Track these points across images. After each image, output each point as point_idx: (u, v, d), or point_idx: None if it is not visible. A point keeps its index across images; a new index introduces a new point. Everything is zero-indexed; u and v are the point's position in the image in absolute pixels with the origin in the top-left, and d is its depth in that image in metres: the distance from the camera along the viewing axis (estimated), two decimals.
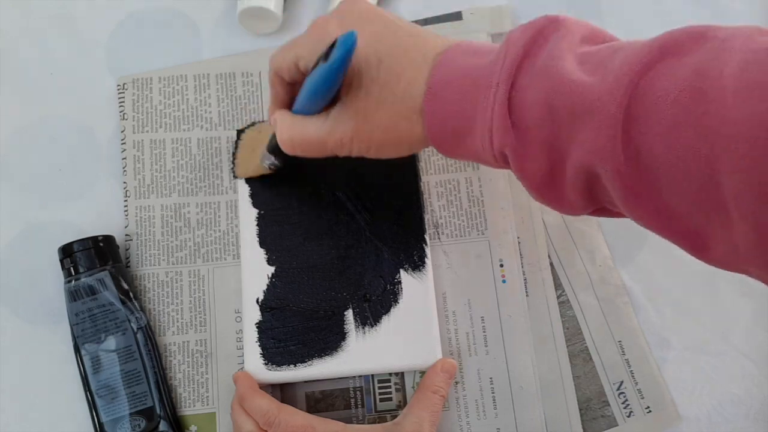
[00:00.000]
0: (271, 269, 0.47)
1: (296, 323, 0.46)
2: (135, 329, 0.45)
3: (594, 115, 0.30)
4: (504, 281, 0.48)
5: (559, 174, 0.33)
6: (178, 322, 0.47)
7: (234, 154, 0.50)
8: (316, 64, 0.36)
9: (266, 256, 0.47)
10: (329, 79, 0.35)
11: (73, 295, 0.45)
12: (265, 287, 0.47)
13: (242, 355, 0.46)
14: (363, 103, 0.36)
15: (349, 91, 0.37)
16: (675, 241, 0.31)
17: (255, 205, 0.48)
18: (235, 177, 0.49)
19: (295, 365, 0.45)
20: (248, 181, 0.49)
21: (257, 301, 0.46)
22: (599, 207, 0.34)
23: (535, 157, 0.33)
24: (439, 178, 0.50)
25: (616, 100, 0.29)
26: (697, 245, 0.30)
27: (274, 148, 0.43)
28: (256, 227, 0.48)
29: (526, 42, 0.33)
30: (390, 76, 0.36)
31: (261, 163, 0.46)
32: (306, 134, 0.39)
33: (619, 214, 0.34)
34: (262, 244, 0.48)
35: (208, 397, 0.46)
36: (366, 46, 0.36)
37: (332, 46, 0.34)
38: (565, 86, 0.31)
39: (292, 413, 0.42)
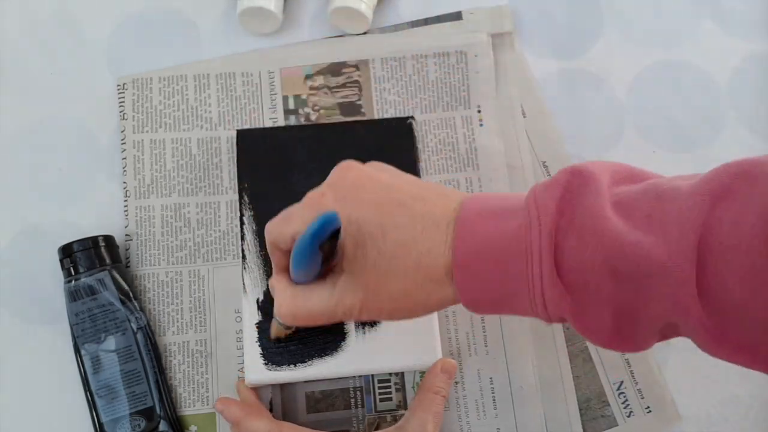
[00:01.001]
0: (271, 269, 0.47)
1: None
2: (135, 329, 0.45)
3: (668, 275, 0.29)
4: None
5: (628, 327, 0.32)
6: (178, 322, 0.47)
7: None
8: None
9: (266, 258, 0.47)
10: (303, 253, 0.34)
11: (73, 295, 0.45)
12: (265, 287, 0.47)
13: (242, 355, 0.46)
14: (371, 276, 0.35)
15: (355, 263, 0.35)
16: (761, 370, 0.31)
17: (253, 205, 0.48)
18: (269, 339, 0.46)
19: (295, 365, 0.45)
20: (246, 181, 0.49)
21: (257, 302, 0.46)
22: (670, 338, 0.34)
23: (600, 317, 0.32)
24: (439, 178, 0.50)
25: (688, 257, 0.28)
26: None
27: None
28: (256, 227, 0.48)
29: (557, 201, 0.32)
30: (398, 248, 0.34)
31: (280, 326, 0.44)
32: (310, 307, 0.37)
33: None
34: (261, 244, 0.48)
35: (208, 397, 0.46)
36: (368, 217, 0.34)
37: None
38: (625, 249, 0.30)
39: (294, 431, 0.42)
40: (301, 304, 0.37)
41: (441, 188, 0.37)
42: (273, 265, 0.40)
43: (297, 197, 0.48)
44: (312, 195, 0.37)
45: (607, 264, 0.30)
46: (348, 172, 0.37)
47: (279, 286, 0.38)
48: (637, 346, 0.33)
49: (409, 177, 0.38)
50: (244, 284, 0.47)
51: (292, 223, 0.37)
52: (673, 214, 0.29)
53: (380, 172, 0.37)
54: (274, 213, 0.48)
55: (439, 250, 0.34)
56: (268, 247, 0.39)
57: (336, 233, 0.33)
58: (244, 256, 0.48)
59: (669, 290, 0.29)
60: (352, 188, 0.36)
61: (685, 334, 0.31)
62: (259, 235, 0.48)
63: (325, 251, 0.34)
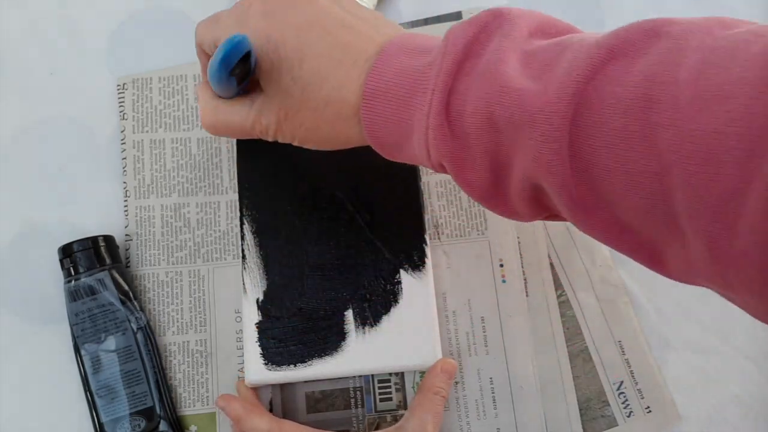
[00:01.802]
0: (271, 269, 0.47)
1: (296, 323, 0.46)
2: (135, 329, 0.45)
3: (536, 126, 0.27)
4: (504, 281, 0.48)
5: (503, 184, 0.31)
6: (178, 322, 0.47)
7: None
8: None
9: (266, 257, 0.47)
10: (213, 75, 0.33)
11: (72, 295, 0.45)
12: (265, 287, 0.47)
13: (242, 355, 0.46)
14: (284, 102, 0.34)
15: (270, 85, 0.34)
16: (629, 254, 0.29)
17: (253, 205, 0.48)
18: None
19: (295, 365, 0.45)
20: (246, 181, 0.49)
21: (257, 302, 0.46)
22: (550, 214, 0.32)
23: (477, 168, 0.31)
24: (439, 178, 0.50)
25: (560, 109, 0.27)
26: (653, 259, 0.29)
27: None
28: (256, 227, 0.48)
29: (467, 41, 0.30)
30: (312, 78, 0.33)
31: None
32: (229, 121, 0.37)
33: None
34: (261, 244, 0.48)
35: (208, 397, 0.46)
36: (288, 40, 0.33)
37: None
38: (505, 94, 0.28)
39: (295, 430, 0.42)
40: (222, 118, 0.37)
41: (377, 20, 0.35)
42: (201, 66, 0.40)
43: (296, 198, 0.49)
44: (239, 4, 0.35)
45: (487, 108, 0.29)
46: None
47: (203, 96, 0.38)
48: (512, 208, 0.32)
49: (356, 6, 0.36)
50: (244, 284, 0.47)
51: (217, 28, 0.36)
52: (564, 64, 0.27)
53: None
54: (274, 213, 0.48)
55: (350, 87, 0.33)
56: (196, 49, 0.39)
57: (249, 54, 0.32)
58: (244, 256, 0.48)
59: (533, 143, 0.28)
60: (283, 4, 0.34)
61: (555, 203, 0.29)
62: (259, 235, 0.48)
63: (240, 72, 0.33)
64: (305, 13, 0.34)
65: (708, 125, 0.23)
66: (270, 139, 0.37)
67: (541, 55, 0.29)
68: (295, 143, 0.36)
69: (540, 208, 0.31)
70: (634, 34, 0.27)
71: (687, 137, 0.24)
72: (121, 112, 0.51)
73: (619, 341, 0.48)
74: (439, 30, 0.53)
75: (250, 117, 0.35)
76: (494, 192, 0.31)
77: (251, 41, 0.33)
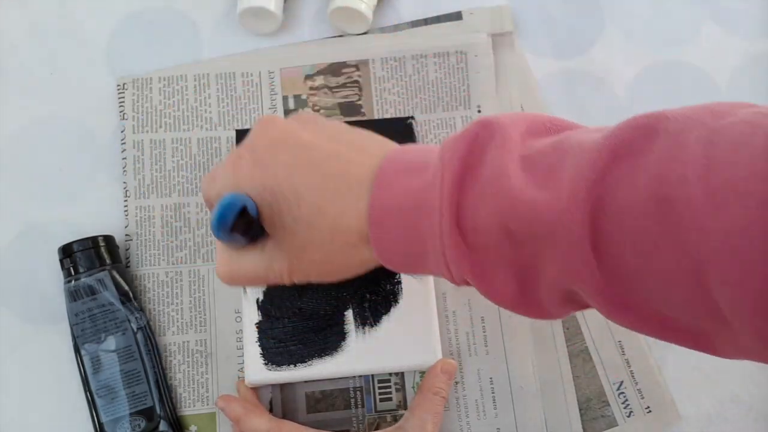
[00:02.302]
0: None
1: (296, 323, 0.46)
2: (135, 329, 0.45)
3: (557, 237, 0.27)
4: None
5: (531, 291, 0.31)
6: (178, 322, 0.47)
7: None
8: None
9: None
10: (215, 235, 0.33)
11: (72, 295, 0.45)
12: (265, 287, 0.47)
13: (242, 355, 0.46)
14: (291, 243, 0.34)
15: (275, 230, 0.34)
16: (673, 342, 0.29)
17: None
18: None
19: (295, 365, 0.45)
20: None
21: (257, 302, 0.46)
22: (585, 306, 0.32)
23: (501, 280, 0.31)
24: None
25: (578, 220, 0.27)
26: (699, 344, 0.28)
27: None
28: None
29: (462, 155, 0.30)
30: (312, 214, 0.33)
31: None
32: (243, 271, 0.36)
33: None
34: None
35: (208, 397, 0.46)
36: (282, 182, 0.33)
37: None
38: (518, 207, 0.28)
39: (295, 430, 0.42)
40: (235, 268, 0.37)
41: (364, 142, 0.35)
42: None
43: None
44: (231, 157, 0.36)
45: (502, 224, 0.29)
46: (269, 130, 0.35)
47: (218, 247, 0.38)
48: (545, 312, 0.32)
49: (334, 129, 0.36)
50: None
51: (216, 184, 0.36)
52: (570, 171, 0.27)
53: (302, 128, 0.35)
54: None
55: (352, 214, 0.33)
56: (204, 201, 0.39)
57: (245, 209, 0.32)
58: None
59: (559, 252, 0.28)
60: (270, 149, 0.34)
61: (589, 301, 0.29)
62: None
63: (243, 225, 0.33)
64: (291, 154, 0.34)
65: (729, 223, 0.23)
66: (287, 283, 0.36)
67: (539, 159, 0.29)
68: (314, 280, 0.36)
69: (573, 305, 0.31)
70: (630, 134, 0.27)
71: (711, 236, 0.24)
72: (121, 112, 0.51)
73: (619, 341, 0.48)
74: (440, 30, 0.53)
75: (262, 264, 0.35)
76: (523, 299, 0.31)
77: (249, 193, 0.33)
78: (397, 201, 0.32)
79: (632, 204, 0.26)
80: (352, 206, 0.33)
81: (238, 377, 0.46)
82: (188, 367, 0.47)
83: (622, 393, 0.47)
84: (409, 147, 0.34)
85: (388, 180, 0.32)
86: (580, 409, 0.47)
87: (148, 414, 0.44)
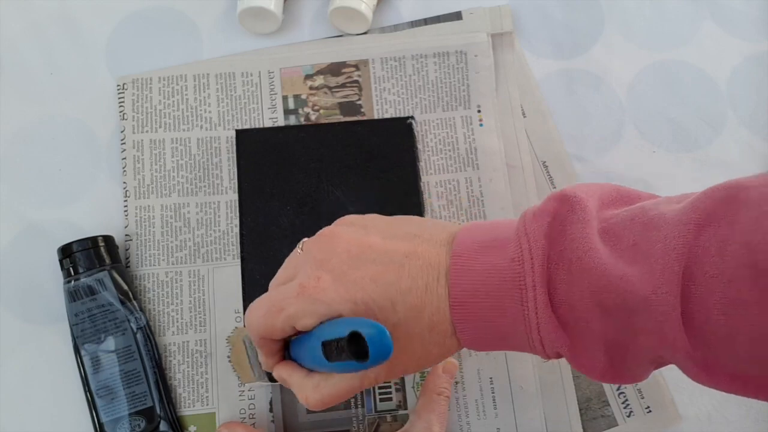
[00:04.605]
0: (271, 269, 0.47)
1: None
2: (134, 329, 0.45)
3: (652, 309, 0.29)
4: None
5: (620, 362, 0.32)
6: (177, 322, 0.47)
7: (230, 359, 0.47)
8: (334, 346, 0.31)
9: (265, 257, 0.47)
10: (323, 364, 0.32)
11: (72, 296, 0.45)
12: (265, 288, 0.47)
13: None
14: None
15: None
16: (753, 397, 0.30)
17: (253, 205, 0.48)
18: (244, 383, 0.46)
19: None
20: (246, 181, 0.49)
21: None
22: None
23: (592, 352, 0.32)
24: (439, 178, 0.50)
25: (672, 291, 0.28)
26: None
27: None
28: (256, 227, 0.48)
29: (545, 232, 0.32)
30: (411, 313, 0.33)
31: (258, 379, 0.42)
32: (337, 390, 0.34)
33: None
34: (261, 244, 0.48)
35: (207, 397, 0.46)
36: (371, 292, 0.33)
37: (353, 335, 0.29)
38: (611, 283, 0.29)
39: None
40: (327, 392, 0.35)
41: (431, 230, 0.36)
42: (265, 355, 0.38)
43: (297, 197, 0.49)
44: (306, 283, 0.34)
45: (594, 298, 0.30)
46: (336, 244, 0.35)
47: (294, 378, 0.36)
48: (632, 377, 0.33)
49: (393, 225, 0.36)
50: (243, 284, 0.47)
51: (290, 312, 0.34)
52: (658, 245, 0.29)
53: (368, 235, 0.36)
54: (274, 213, 0.48)
55: (444, 305, 0.33)
56: (254, 338, 0.37)
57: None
58: (243, 257, 0.48)
59: (654, 324, 0.29)
60: (348, 263, 0.34)
61: (677, 365, 0.31)
62: (259, 235, 0.48)
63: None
64: (373, 263, 0.34)
65: None
66: (376, 384, 0.36)
67: (620, 232, 0.31)
68: (406, 375, 0.36)
69: (659, 366, 0.33)
70: (713, 205, 0.29)
71: None
72: (121, 112, 0.51)
73: None
74: (440, 30, 0.53)
75: (357, 377, 0.34)
76: (612, 370, 0.32)
77: (342, 312, 0.33)
78: (480, 282, 0.32)
79: (721, 272, 0.27)
80: (444, 298, 0.33)
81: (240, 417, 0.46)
82: (188, 367, 0.47)
83: (622, 393, 0.47)
84: (478, 224, 0.35)
85: (463, 262, 0.33)
86: (580, 409, 0.47)
87: (147, 414, 0.44)
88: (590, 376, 0.33)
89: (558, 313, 0.31)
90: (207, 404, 0.46)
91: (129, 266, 0.48)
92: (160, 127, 0.51)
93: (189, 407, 0.46)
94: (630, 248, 0.30)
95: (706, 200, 0.29)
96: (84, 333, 0.45)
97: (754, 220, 0.27)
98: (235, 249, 0.48)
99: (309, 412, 0.46)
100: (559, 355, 0.33)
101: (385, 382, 0.45)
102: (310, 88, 0.52)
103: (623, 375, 0.32)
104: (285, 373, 0.37)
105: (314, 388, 0.35)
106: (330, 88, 0.52)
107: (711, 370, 0.29)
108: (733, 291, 0.27)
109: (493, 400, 0.46)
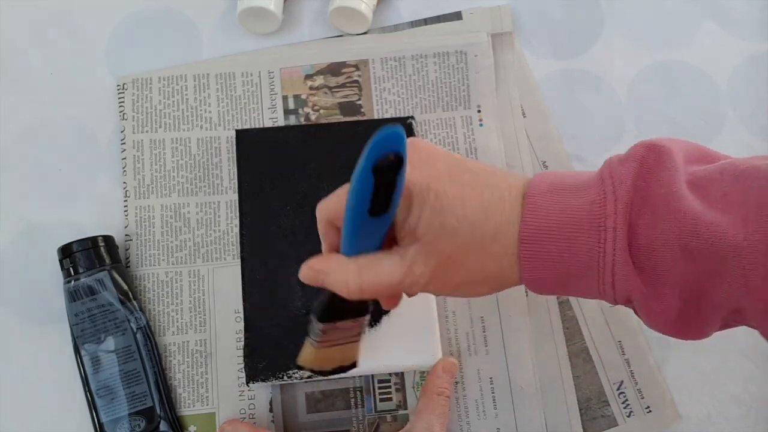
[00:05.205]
0: (271, 270, 0.47)
1: (296, 324, 0.46)
2: (134, 329, 0.45)
3: (742, 256, 0.29)
4: None
5: (692, 311, 0.32)
6: (177, 322, 0.47)
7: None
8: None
9: (265, 257, 0.47)
10: (363, 183, 0.30)
11: (72, 296, 0.45)
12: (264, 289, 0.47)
13: (242, 356, 0.46)
14: (449, 244, 0.33)
15: (431, 230, 0.33)
16: None
17: (253, 205, 0.48)
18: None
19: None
20: (246, 181, 0.49)
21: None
22: (735, 326, 0.33)
23: (667, 299, 0.31)
24: None
25: (765, 242, 0.28)
26: None
27: (324, 313, 0.36)
28: (256, 227, 0.48)
29: (633, 176, 0.32)
30: (478, 215, 0.33)
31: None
32: (379, 277, 0.34)
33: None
34: (261, 244, 0.48)
35: (207, 397, 0.46)
36: (445, 185, 0.33)
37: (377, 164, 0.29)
38: (700, 228, 0.29)
39: None
40: (370, 278, 0.33)
41: (502, 172, 0.36)
42: (325, 247, 0.37)
43: (297, 197, 0.49)
44: None
45: (679, 242, 0.30)
46: (418, 144, 0.35)
47: (337, 264, 0.34)
48: (699, 332, 0.33)
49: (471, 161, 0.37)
50: (244, 284, 0.47)
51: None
52: (752, 193, 0.29)
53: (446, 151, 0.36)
54: (274, 213, 0.48)
55: (515, 218, 0.33)
56: (320, 227, 0.37)
57: (395, 171, 0.30)
58: (243, 257, 0.48)
59: (741, 272, 0.29)
60: (426, 156, 0.34)
61: (751, 322, 0.31)
62: (260, 235, 0.48)
63: (380, 203, 0.31)
64: (449, 163, 0.34)
65: None
66: (416, 292, 0.35)
67: (708, 185, 0.31)
68: (446, 291, 0.35)
69: (722, 327, 0.33)
70: None
71: None
72: (121, 112, 0.51)
73: (619, 341, 0.48)
74: (440, 30, 0.53)
75: (402, 268, 0.33)
76: (684, 319, 0.32)
77: (413, 190, 0.32)
78: (555, 220, 0.32)
79: None
80: (515, 213, 0.33)
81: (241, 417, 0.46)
82: (188, 367, 0.47)
83: (622, 393, 0.47)
84: (551, 172, 0.35)
85: (540, 197, 0.33)
86: (580, 409, 0.47)
87: (147, 414, 0.44)
88: (657, 323, 0.33)
89: (635, 257, 0.31)
90: (207, 404, 0.46)
91: (129, 266, 0.48)
92: (160, 127, 0.51)
93: (189, 407, 0.46)
94: (720, 198, 0.30)
95: None
96: (84, 333, 0.45)
97: None
98: (235, 249, 0.48)
99: (309, 411, 0.46)
100: (628, 301, 0.33)
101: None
102: (310, 88, 0.52)
103: (691, 327, 0.32)
104: (329, 260, 0.35)
105: (357, 270, 0.34)
106: (330, 88, 0.52)
107: None
108: None
109: (493, 400, 0.46)
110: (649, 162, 0.32)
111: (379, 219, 0.32)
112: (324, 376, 0.40)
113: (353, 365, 0.40)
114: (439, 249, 0.33)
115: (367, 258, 0.34)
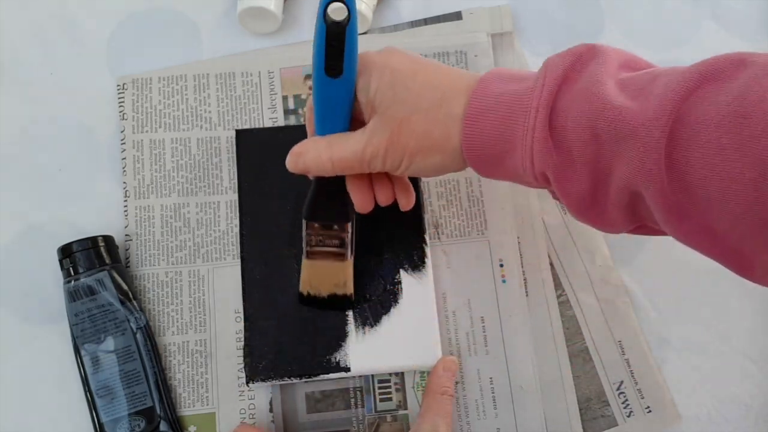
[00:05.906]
0: (271, 270, 0.47)
1: (296, 324, 0.46)
2: (134, 329, 0.45)
3: (638, 139, 0.31)
4: (504, 281, 0.48)
5: (601, 193, 0.34)
6: (177, 322, 0.47)
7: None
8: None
9: (265, 258, 0.47)
10: (317, 33, 0.36)
11: (72, 296, 0.45)
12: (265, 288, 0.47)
13: (242, 356, 0.46)
14: (398, 110, 0.37)
15: (384, 101, 0.38)
16: (719, 259, 0.32)
17: (253, 205, 0.48)
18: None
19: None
20: (246, 181, 0.49)
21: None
22: (640, 225, 0.35)
23: (578, 178, 0.34)
24: (439, 178, 0.50)
25: (660, 125, 0.30)
26: (742, 265, 0.31)
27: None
28: (256, 227, 0.48)
29: (565, 67, 0.34)
30: (426, 85, 0.37)
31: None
32: (345, 151, 0.39)
33: (659, 232, 0.34)
34: (261, 244, 0.48)
35: (207, 397, 0.46)
36: (402, 64, 0.38)
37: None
38: (608, 110, 0.32)
39: None
40: (337, 151, 0.39)
41: (455, 70, 0.40)
42: (309, 132, 0.42)
43: (297, 197, 0.49)
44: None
45: (589, 124, 0.32)
46: (391, 47, 0.40)
47: (312, 143, 0.40)
48: (606, 219, 0.35)
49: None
50: (243, 284, 0.47)
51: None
52: (660, 88, 0.31)
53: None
54: (274, 213, 0.48)
55: (461, 91, 0.37)
56: (306, 115, 0.42)
57: (345, 25, 0.35)
58: (243, 257, 0.48)
59: (638, 155, 0.31)
60: (388, 49, 0.39)
61: (649, 206, 0.32)
62: (260, 235, 0.48)
63: (335, 58, 0.37)
64: (409, 54, 0.39)
65: None
66: (379, 163, 0.39)
67: (633, 82, 0.33)
68: (404, 164, 0.39)
69: (633, 216, 0.34)
70: (722, 63, 0.31)
71: None
72: (121, 112, 0.51)
73: (619, 341, 0.48)
74: (440, 30, 0.53)
75: (363, 140, 0.38)
76: (591, 201, 0.35)
77: (374, 67, 0.38)
78: (494, 101, 0.36)
79: (711, 118, 0.29)
80: (461, 89, 0.37)
81: (241, 421, 0.46)
82: (188, 367, 0.47)
83: (622, 393, 0.47)
84: (503, 69, 0.39)
85: (488, 84, 0.37)
86: (580, 409, 0.47)
87: (147, 414, 0.44)
88: (570, 204, 0.35)
89: (555, 137, 0.34)
90: (207, 404, 0.46)
91: (129, 266, 0.48)
92: (160, 127, 0.51)
93: (189, 407, 0.46)
94: (635, 90, 0.32)
95: (717, 59, 0.31)
96: (84, 333, 0.45)
97: (752, 77, 0.29)
98: (235, 249, 0.48)
99: (309, 411, 0.46)
100: (546, 180, 0.35)
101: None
102: (310, 87, 0.52)
103: (599, 210, 0.35)
104: (310, 141, 0.40)
105: (327, 146, 0.39)
106: None
107: (680, 216, 0.31)
108: (715, 136, 0.28)
109: (493, 400, 0.46)
110: (584, 58, 0.35)
111: (338, 83, 0.37)
112: (322, 308, 0.45)
113: (347, 298, 0.45)
114: (392, 115, 0.37)
115: (336, 135, 0.39)
